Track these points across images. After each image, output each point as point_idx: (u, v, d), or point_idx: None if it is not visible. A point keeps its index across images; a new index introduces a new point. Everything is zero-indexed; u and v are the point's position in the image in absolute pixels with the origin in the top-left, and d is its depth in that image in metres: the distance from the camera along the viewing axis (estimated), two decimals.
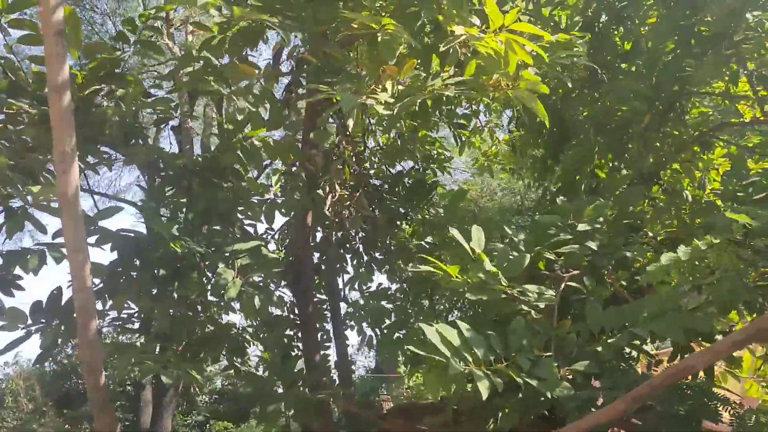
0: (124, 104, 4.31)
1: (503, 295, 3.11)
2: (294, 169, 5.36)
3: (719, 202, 5.41)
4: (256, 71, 3.93)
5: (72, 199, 3.08)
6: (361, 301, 6.34)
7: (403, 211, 6.81)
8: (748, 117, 5.80)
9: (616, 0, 5.60)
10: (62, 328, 3.96)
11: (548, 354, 3.00)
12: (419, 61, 4.09)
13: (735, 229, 2.92)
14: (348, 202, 5.82)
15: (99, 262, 4.16)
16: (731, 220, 2.96)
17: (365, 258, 6.63)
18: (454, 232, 3.25)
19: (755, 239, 3.10)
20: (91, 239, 4.20)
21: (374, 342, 6.56)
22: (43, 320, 3.99)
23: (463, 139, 6.96)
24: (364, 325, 6.52)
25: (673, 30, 5.08)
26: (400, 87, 3.85)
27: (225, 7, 3.57)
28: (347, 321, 6.47)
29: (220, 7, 3.68)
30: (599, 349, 3.04)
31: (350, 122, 5.07)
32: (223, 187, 4.80)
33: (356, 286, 6.62)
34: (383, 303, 6.23)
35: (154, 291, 4.34)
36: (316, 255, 6.49)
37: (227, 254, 4.41)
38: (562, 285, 3.39)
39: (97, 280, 4.24)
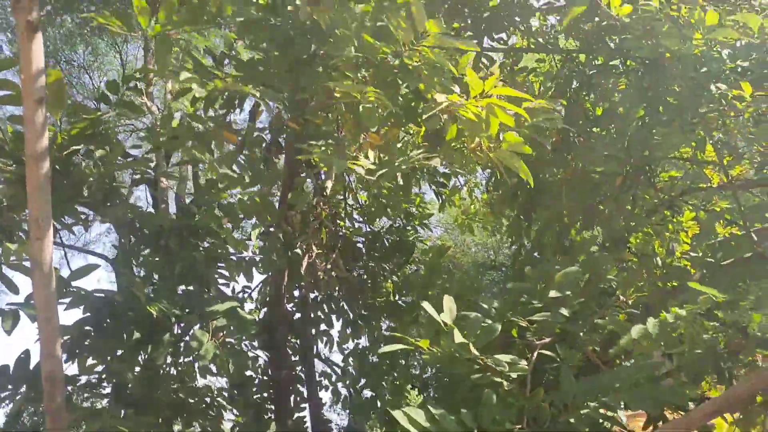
0: (104, 165, 4.33)
1: (475, 366, 3.12)
2: (272, 229, 5.39)
3: (690, 267, 5.53)
4: (238, 138, 3.99)
5: (45, 267, 3.06)
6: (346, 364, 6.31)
7: (384, 268, 6.84)
8: (716, 182, 5.97)
9: (586, 67, 5.82)
10: (31, 393, 3.88)
11: (520, 426, 3.01)
12: (401, 127, 4.19)
13: (702, 302, 2.99)
14: (324, 263, 5.84)
15: (65, 324, 4.10)
16: (699, 292, 3.03)
17: (351, 315, 6.61)
18: (426, 305, 3.28)
19: (723, 310, 3.17)
20: (65, 299, 4.16)
21: (349, 401, 6.49)
22: (11, 386, 3.90)
23: (443, 197, 7.06)
24: (340, 384, 6.48)
25: (642, 98, 5.25)
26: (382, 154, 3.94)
27: (206, 79, 3.65)
28: (322, 380, 6.42)
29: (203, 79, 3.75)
30: (572, 420, 3.05)
31: (329, 184, 5.13)
32: (200, 248, 4.80)
33: (336, 346, 6.59)
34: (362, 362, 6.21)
35: (125, 353, 4.27)
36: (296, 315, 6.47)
37: (203, 315, 4.38)
38: (535, 353, 3.41)
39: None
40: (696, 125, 5.03)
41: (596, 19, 5.34)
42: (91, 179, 4.42)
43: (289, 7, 3.81)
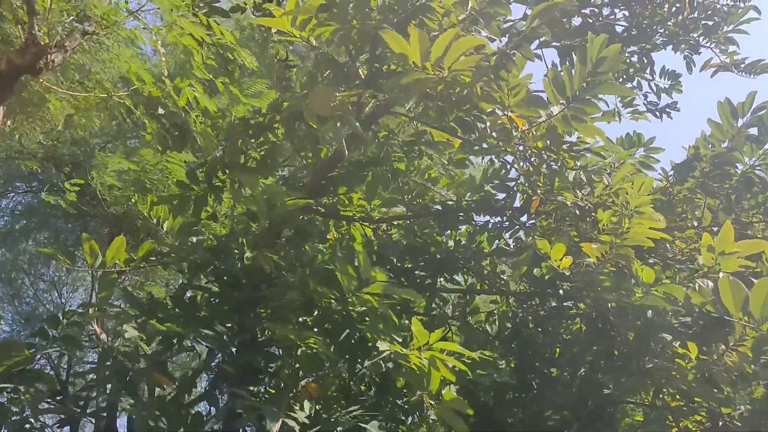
0: (30, 406, 4.08)
1: None
2: None
3: None
4: (174, 383, 3.85)
5: None
6: None
7: None
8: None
9: (540, 309, 5.89)
10: None
11: None
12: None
13: None
14: None
15: None
16: None
17: None
18: None
19: None
20: None
21: None
22: None
23: None
24: None
25: (592, 342, 5.26)
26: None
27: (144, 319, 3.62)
28: None
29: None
30: None
31: (275, 428, 4.87)
32: None
33: None
34: None
35: None
36: None
37: None
38: None
39: None
40: (650, 370, 5.00)
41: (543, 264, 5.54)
42: (14, 418, 4.15)
43: (236, 251, 3.91)
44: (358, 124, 3.93)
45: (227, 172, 4.56)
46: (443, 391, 3.59)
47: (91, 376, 4.26)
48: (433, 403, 3.60)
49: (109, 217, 7.35)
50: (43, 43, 3.58)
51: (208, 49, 4.12)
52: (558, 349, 5.80)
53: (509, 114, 3.80)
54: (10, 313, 13.42)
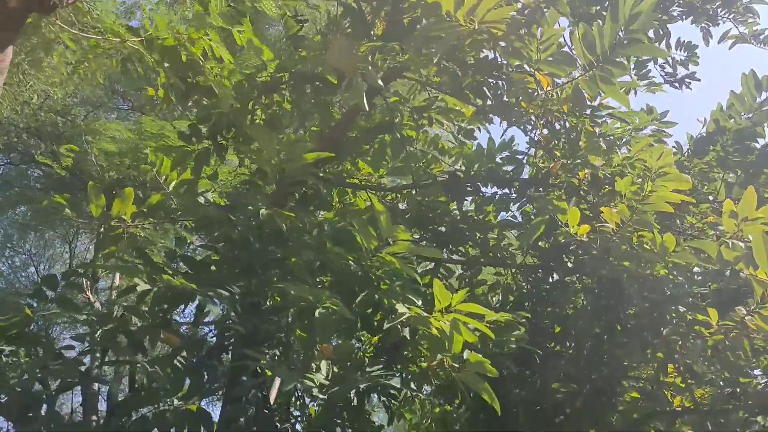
0: (28, 370, 3.90)
1: None
2: None
3: None
4: (179, 340, 3.69)
5: None
6: None
7: None
8: (677, 404, 5.76)
9: (543, 283, 5.82)
10: None
11: None
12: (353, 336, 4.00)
13: None
14: None
15: None
16: None
17: None
18: None
19: None
20: None
21: None
22: None
23: (393, 408, 6.61)
24: None
25: (598, 317, 5.21)
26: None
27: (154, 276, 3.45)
28: None
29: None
30: None
31: (273, 394, 4.75)
32: None
33: None
34: None
35: None
36: None
37: None
38: None
39: None
40: (657, 347, 4.97)
41: (551, 237, 5.46)
42: (13, 383, 3.96)
43: (249, 207, 3.75)
44: (377, 79, 3.79)
45: (233, 129, 4.40)
46: (467, 355, 3.48)
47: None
48: (456, 366, 3.49)
49: (103, 184, 7.09)
50: None
51: None
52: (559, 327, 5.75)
53: (535, 72, 3.68)
54: None
